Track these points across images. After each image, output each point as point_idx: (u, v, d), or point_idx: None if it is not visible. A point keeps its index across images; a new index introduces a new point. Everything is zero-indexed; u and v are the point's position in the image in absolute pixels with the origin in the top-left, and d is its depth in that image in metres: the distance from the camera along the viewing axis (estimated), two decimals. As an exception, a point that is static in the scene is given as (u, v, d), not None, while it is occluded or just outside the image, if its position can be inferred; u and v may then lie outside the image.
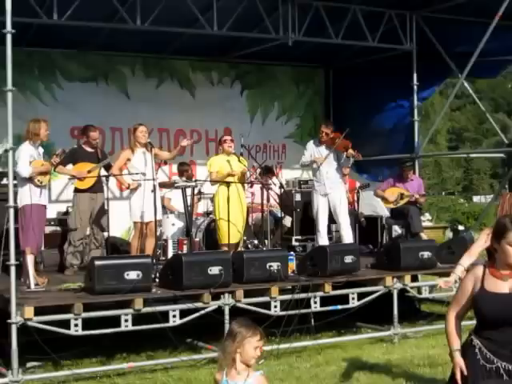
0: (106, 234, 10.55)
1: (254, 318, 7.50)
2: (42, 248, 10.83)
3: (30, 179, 9.28)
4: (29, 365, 8.47)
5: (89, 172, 10.47)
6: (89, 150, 10.73)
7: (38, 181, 9.37)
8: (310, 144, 11.80)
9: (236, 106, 14.43)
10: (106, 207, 10.47)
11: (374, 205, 13.71)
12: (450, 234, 22.94)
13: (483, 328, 4.44)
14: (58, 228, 11.49)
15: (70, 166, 10.65)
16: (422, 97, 13.76)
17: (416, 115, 13.46)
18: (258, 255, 9.70)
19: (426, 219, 23.42)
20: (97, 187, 10.58)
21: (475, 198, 43.80)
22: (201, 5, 11.10)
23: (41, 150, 9.72)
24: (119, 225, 11.72)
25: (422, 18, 12.76)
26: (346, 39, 12.25)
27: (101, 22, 11.08)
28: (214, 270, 8.89)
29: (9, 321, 7.83)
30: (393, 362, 8.82)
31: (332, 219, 11.85)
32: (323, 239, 11.52)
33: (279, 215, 12.44)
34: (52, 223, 11.49)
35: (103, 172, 10.66)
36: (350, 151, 11.22)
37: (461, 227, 24.81)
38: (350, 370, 8.49)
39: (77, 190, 10.63)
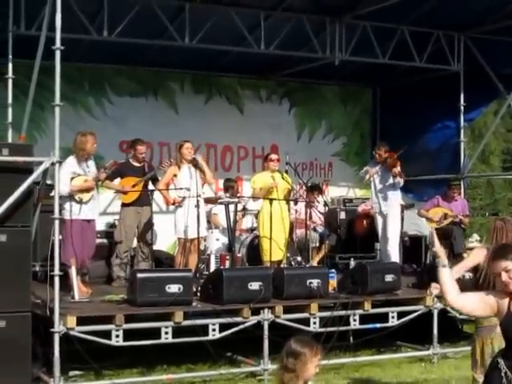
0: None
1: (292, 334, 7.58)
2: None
3: (69, 196, 9.41)
4: (71, 373, 8.65)
5: (133, 186, 10.60)
6: (136, 164, 10.89)
7: (79, 198, 9.48)
8: (371, 161, 12.08)
9: (284, 123, 14.54)
10: (152, 221, 10.68)
11: (419, 224, 13.66)
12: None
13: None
14: (105, 240, 11.66)
15: (117, 181, 10.82)
16: (469, 118, 13.75)
17: (462, 136, 13.46)
18: (299, 272, 9.82)
19: (475, 240, 23.13)
20: (143, 200, 10.71)
21: (528, 220, 42.96)
22: (248, 23, 11.27)
23: (90, 163, 9.84)
24: (165, 239, 11.87)
25: (469, 38, 12.76)
26: (393, 59, 12.32)
27: (150, 38, 11.30)
28: (255, 286, 8.99)
29: (52, 329, 8.02)
30: (430, 382, 8.81)
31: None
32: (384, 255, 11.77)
33: (323, 233, 12.48)
34: (99, 235, 11.67)
35: (151, 186, 10.84)
36: (394, 170, 11.33)
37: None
38: (387, 389, 8.54)
39: (123, 205, 10.81)
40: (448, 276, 4.66)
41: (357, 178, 14.84)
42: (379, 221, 11.75)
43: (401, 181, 11.58)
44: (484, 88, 13.03)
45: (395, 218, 11.70)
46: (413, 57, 12.38)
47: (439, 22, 12.17)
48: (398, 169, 11.39)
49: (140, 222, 10.73)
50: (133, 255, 10.74)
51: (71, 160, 9.63)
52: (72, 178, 9.51)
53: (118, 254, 10.66)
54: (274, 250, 10.64)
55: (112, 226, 11.28)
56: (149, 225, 10.72)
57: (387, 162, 11.51)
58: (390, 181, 11.59)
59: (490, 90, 12.99)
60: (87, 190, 9.61)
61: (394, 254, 11.51)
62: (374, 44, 11.98)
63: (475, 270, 6.69)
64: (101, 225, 12.06)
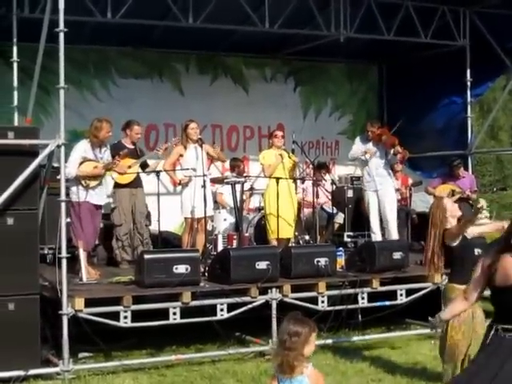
0: (154, 228, 10.70)
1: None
2: (96, 242, 11.07)
3: (76, 180, 9.43)
4: (81, 355, 8.69)
5: (129, 167, 10.47)
6: (129, 145, 10.67)
7: (85, 183, 9.48)
8: (358, 139, 11.88)
9: (289, 102, 14.48)
10: (146, 202, 10.66)
11: (429, 201, 13.61)
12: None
13: None
14: (102, 223, 11.58)
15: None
16: (476, 93, 13.63)
17: (469, 112, 13.40)
18: (306, 251, 9.82)
19: (484, 216, 23.12)
20: (137, 183, 10.62)
21: (541, 196, 42.76)
22: (252, 2, 11.21)
23: (104, 150, 9.82)
24: (172, 219, 11.86)
25: (475, 13, 12.67)
26: (399, 35, 12.22)
27: (154, 19, 11.27)
28: (262, 265, 8.99)
29: (60, 312, 8.06)
30: (439, 360, 8.78)
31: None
32: (376, 235, 11.56)
33: (331, 211, 12.49)
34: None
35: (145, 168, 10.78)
36: (397, 148, 11.29)
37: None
38: (396, 366, 8.53)
39: (117, 186, 10.58)
40: (453, 310, 5.45)
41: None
42: (371, 199, 11.60)
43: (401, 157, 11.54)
44: (491, 63, 12.90)
45: (392, 196, 11.66)
46: (418, 33, 12.29)
47: (444, -4, 12.14)
48: (398, 147, 11.34)
49: (135, 204, 10.58)
50: (132, 237, 10.65)
51: (84, 144, 9.66)
52: (81, 163, 9.51)
53: (119, 236, 10.53)
54: (283, 228, 10.63)
55: (113, 209, 11.10)
56: (144, 206, 10.72)
57: (382, 139, 11.43)
58: (385, 159, 11.54)
59: (497, 64, 12.86)
60: (94, 177, 9.61)
61: (394, 233, 11.49)
62: (379, 20, 11.90)
63: None
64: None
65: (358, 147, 11.73)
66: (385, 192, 11.51)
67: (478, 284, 4.95)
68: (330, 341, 9.24)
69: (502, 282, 4.72)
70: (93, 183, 9.57)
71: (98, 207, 9.78)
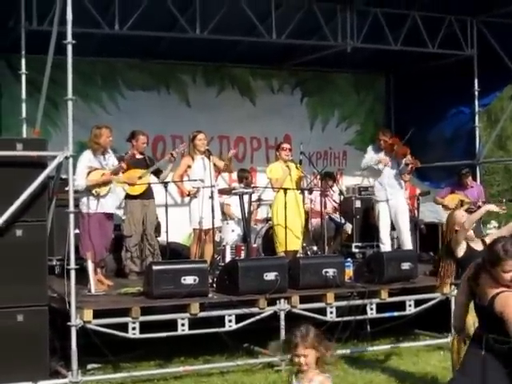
0: (163, 239, 10.70)
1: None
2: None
3: (87, 190, 9.45)
4: (89, 366, 8.68)
5: (139, 178, 10.49)
6: (137, 156, 10.67)
7: (96, 192, 9.51)
8: (370, 148, 11.82)
9: (296, 113, 14.47)
10: (157, 213, 10.62)
11: (438, 211, 13.59)
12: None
13: None
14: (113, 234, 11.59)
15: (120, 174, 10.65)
16: (484, 103, 13.62)
17: (477, 121, 13.39)
18: (314, 261, 9.81)
19: (493, 226, 23.04)
20: (148, 194, 10.63)
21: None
22: (259, 13, 11.21)
23: (108, 156, 9.85)
24: (180, 230, 11.87)
25: (482, 22, 12.66)
26: (406, 45, 12.21)
27: (161, 31, 11.29)
28: (270, 276, 8.98)
29: (68, 323, 8.05)
30: (449, 370, 8.73)
31: (392, 226, 11.85)
32: (385, 246, 11.51)
33: (340, 222, 12.46)
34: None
35: (154, 178, 10.77)
36: (408, 157, 11.25)
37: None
38: (405, 377, 8.50)
39: (128, 197, 10.61)
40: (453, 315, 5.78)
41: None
42: (382, 208, 11.51)
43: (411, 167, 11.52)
44: (498, 72, 12.88)
45: (404, 206, 11.62)
46: (425, 43, 12.27)
47: (451, 6, 12.12)
48: (409, 157, 11.32)
49: (146, 215, 10.58)
50: (141, 248, 10.66)
51: (87, 154, 9.67)
52: (89, 173, 9.53)
53: (128, 247, 10.53)
54: (290, 240, 10.62)
55: (123, 220, 11.08)
56: (155, 218, 10.72)
57: (394, 149, 11.41)
58: (396, 169, 11.50)
59: (505, 74, 12.83)
60: (104, 184, 9.63)
61: (408, 243, 11.44)
62: (386, 30, 11.90)
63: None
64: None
65: (371, 156, 11.67)
66: (396, 203, 11.44)
67: (463, 287, 5.29)
68: (338, 352, 9.19)
69: (479, 299, 4.99)
70: (103, 191, 9.61)
71: (110, 216, 9.80)
